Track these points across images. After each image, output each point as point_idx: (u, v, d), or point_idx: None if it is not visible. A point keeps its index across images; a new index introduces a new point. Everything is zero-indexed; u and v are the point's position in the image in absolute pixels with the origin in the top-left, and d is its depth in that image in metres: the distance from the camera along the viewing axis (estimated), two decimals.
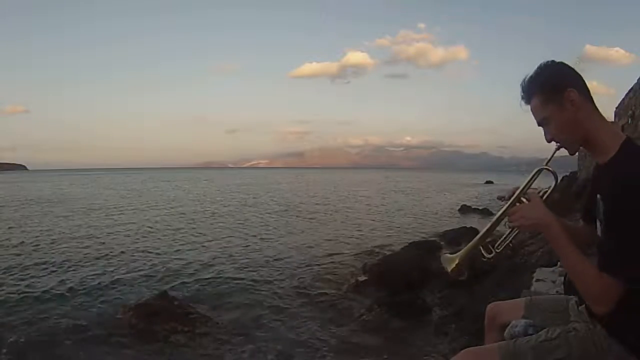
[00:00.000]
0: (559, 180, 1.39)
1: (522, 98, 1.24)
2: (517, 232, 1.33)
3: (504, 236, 1.36)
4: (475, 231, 11.62)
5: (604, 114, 1.23)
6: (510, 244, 1.36)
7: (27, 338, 5.07)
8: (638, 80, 9.62)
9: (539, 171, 1.32)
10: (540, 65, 1.21)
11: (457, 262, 1.35)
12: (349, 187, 43.11)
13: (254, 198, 27.65)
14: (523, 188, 1.32)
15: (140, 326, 5.38)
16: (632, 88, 10.13)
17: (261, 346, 4.90)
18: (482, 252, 1.35)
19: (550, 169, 1.32)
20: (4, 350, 4.78)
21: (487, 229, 1.35)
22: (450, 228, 12.42)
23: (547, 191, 1.33)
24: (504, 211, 1.31)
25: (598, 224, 1.19)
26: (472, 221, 14.39)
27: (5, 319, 5.69)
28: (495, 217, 1.34)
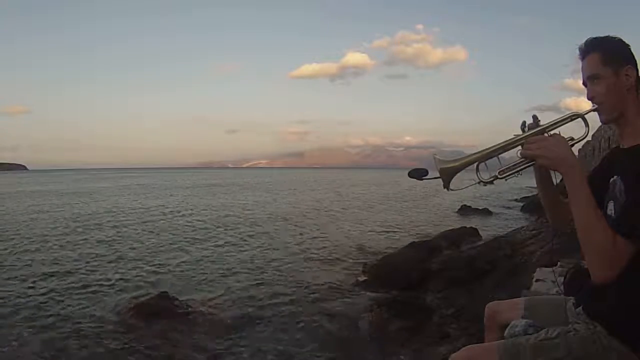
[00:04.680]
0: (587, 136, 1.24)
1: (580, 51, 1.22)
2: (528, 163, 1.19)
3: (513, 164, 1.22)
4: (475, 231, 11.61)
5: None
6: (516, 175, 1.22)
7: (27, 337, 5.08)
8: None
9: (573, 117, 1.22)
10: (610, 35, 1.21)
11: (453, 165, 1.22)
12: (349, 187, 43.08)
13: (254, 197, 27.66)
14: (550, 123, 1.20)
15: (140, 326, 5.39)
16: None
17: (261, 346, 4.91)
18: (479, 173, 1.23)
19: (585, 120, 1.21)
20: (5, 350, 4.79)
21: (498, 147, 1.21)
22: (451, 228, 12.40)
23: (574, 138, 1.19)
24: (524, 136, 1.19)
25: (611, 204, 1.17)
26: (472, 221, 14.37)
27: (6, 318, 5.70)
28: (510, 139, 1.21)
